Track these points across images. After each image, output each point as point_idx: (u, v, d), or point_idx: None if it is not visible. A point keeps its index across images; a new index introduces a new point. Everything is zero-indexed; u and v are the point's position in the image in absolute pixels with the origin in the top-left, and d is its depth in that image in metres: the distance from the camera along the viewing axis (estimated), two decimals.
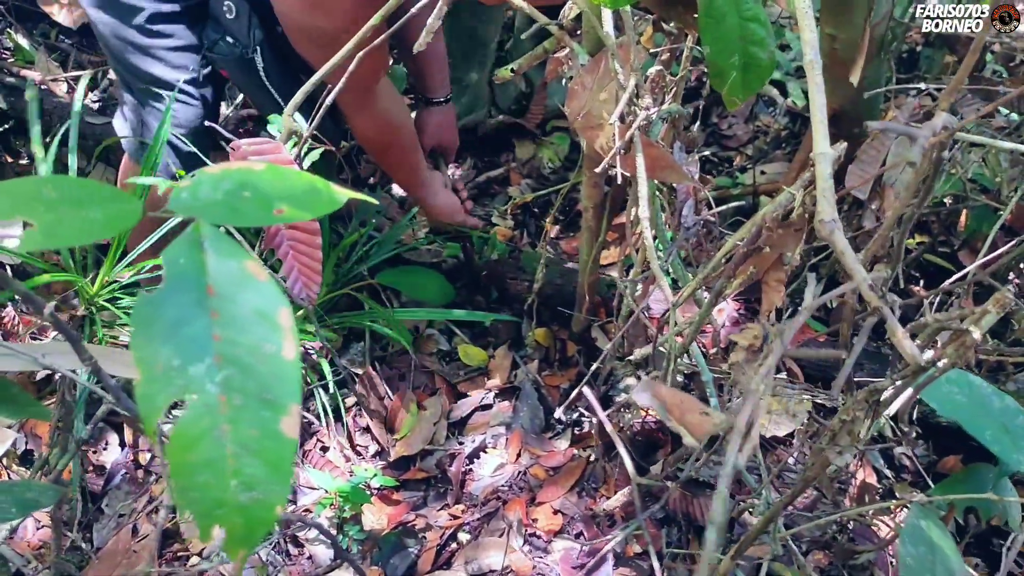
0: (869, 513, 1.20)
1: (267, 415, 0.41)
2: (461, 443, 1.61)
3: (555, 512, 1.45)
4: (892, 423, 1.34)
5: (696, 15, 0.76)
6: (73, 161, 1.67)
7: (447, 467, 1.57)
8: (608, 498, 1.46)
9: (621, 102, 0.78)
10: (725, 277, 0.70)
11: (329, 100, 0.90)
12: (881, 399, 0.57)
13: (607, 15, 0.87)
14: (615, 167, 0.84)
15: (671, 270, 1.21)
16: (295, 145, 0.94)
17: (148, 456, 1.56)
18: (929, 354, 0.54)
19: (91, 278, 1.58)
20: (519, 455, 1.57)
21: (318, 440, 1.61)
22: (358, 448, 1.61)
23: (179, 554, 1.40)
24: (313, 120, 0.91)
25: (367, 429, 1.63)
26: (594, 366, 1.27)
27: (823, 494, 1.30)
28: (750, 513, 1.29)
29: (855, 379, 1.23)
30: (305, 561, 1.41)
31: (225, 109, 2.23)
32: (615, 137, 0.82)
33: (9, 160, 2.05)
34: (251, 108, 2.24)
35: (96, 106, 2.21)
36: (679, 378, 1.27)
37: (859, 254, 0.50)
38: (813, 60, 0.53)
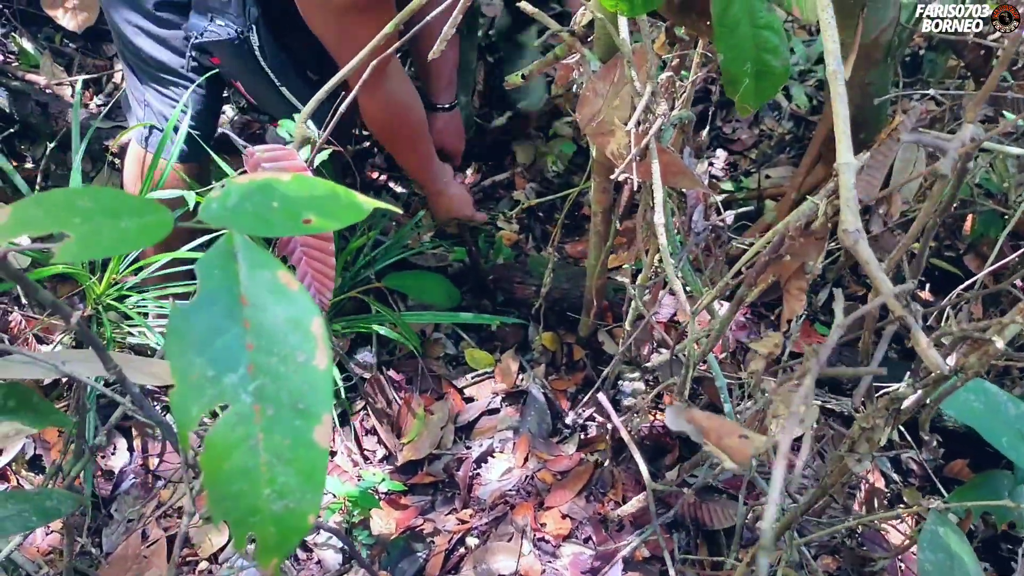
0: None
1: (300, 424, 0.41)
2: (468, 447, 1.61)
3: (563, 516, 1.45)
4: (903, 428, 1.34)
5: (710, 23, 0.76)
6: (77, 163, 1.67)
7: (455, 471, 1.57)
8: (616, 502, 1.46)
9: (638, 108, 0.78)
10: (747, 285, 0.70)
11: (343, 108, 0.90)
12: (901, 407, 0.57)
13: (623, 22, 0.88)
14: (629, 173, 0.85)
15: (681, 275, 1.21)
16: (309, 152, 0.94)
17: (157, 461, 1.56)
18: (952, 362, 0.54)
19: (98, 277, 1.58)
20: (527, 459, 1.57)
21: None
22: (366, 452, 1.61)
23: (188, 559, 1.40)
24: (326, 128, 0.92)
25: (374, 433, 1.63)
26: (605, 372, 1.27)
27: (834, 499, 1.30)
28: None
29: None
30: (314, 566, 1.41)
31: (230, 112, 2.24)
32: (630, 143, 0.82)
33: (14, 164, 2.04)
34: (249, 115, 2.24)
35: (101, 111, 2.21)
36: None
37: (882, 264, 0.51)
38: (836, 70, 0.53)
